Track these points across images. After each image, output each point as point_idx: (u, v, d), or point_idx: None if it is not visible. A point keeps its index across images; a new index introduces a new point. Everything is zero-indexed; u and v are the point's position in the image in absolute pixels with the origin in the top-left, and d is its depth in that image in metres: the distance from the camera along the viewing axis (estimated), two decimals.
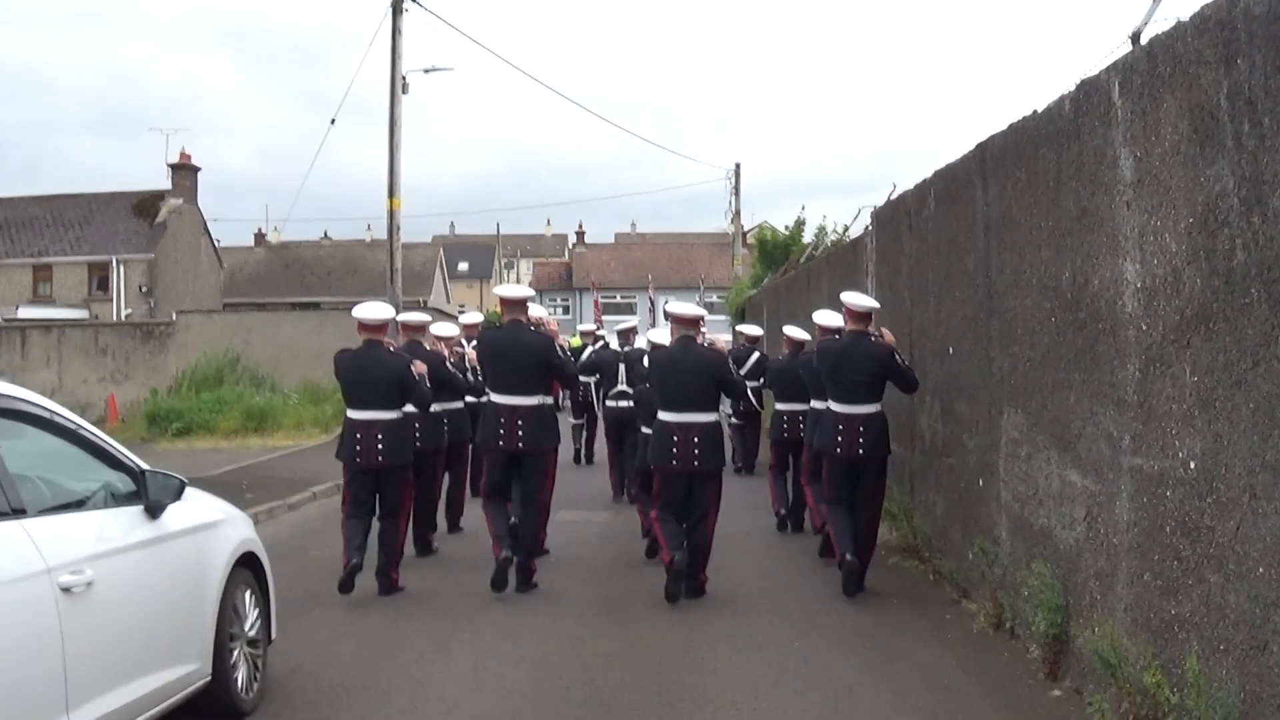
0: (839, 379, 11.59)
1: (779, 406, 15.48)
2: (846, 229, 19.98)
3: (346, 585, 11.24)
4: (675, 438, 11.26)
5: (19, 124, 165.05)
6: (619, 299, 76.82)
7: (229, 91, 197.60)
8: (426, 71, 33.10)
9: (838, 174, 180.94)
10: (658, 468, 11.57)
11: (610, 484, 18.67)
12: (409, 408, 11.98)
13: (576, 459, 23.14)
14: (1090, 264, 7.72)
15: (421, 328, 14.32)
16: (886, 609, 10.97)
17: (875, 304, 12.22)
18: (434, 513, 14.21)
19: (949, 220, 11.71)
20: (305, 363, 33.47)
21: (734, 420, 20.72)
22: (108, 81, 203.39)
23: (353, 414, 11.67)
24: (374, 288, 49.32)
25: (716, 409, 11.65)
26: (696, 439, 11.23)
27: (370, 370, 11.55)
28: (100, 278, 54.60)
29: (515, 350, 11.63)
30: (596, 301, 49.42)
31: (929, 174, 12.66)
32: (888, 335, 11.82)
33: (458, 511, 15.37)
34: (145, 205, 55.99)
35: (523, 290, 12.35)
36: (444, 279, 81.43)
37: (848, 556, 11.10)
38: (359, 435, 11.55)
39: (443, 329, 15.21)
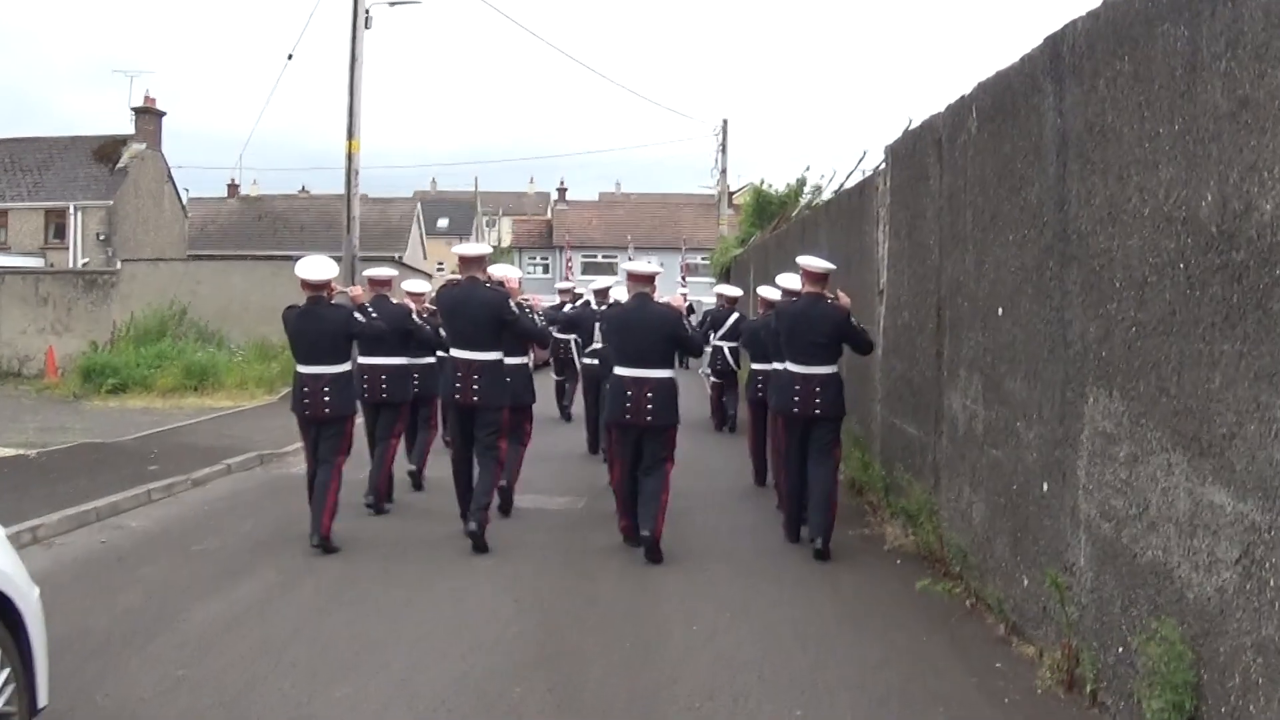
0: (796, 340, 11.80)
1: (755, 366, 15.61)
2: (855, 173, 17.46)
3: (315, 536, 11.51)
4: (629, 392, 11.42)
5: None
6: (600, 258, 75.20)
7: (209, 40, 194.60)
8: (391, 4, 30.45)
9: (831, 140, 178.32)
10: (611, 421, 11.79)
11: (586, 439, 18.99)
12: (376, 359, 13.58)
13: (564, 415, 23.29)
14: (1254, 181, 5.15)
15: (386, 282, 14.63)
16: (913, 646, 8.48)
17: (831, 266, 12.18)
18: (390, 464, 14.03)
19: (998, 143, 9.12)
20: (256, 316, 31.53)
21: (713, 379, 21.92)
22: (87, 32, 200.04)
23: (300, 368, 11.90)
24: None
25: (671, 365, 11.76)
26: (650, 394, 11.37)
27: (312, 327, 11.79)
28: (57, 225, 52.10)
29: (470, 306, 11.94)
30: (569, 259, 47.89)
31: (967, 89, 10.08)
32: (843, 298, 12.00)
33: (421, 466, 15.16)
34: (106, 150, 53.41)
35: (479, 248, 12.67)
36: (421, 235, 79.16)
37: (790, 539, 12.01)
38: (306, 389, 11.82)
39: (415, 285, 15.67)
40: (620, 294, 14.24)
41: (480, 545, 11.47)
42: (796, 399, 11.66)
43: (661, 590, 10.06)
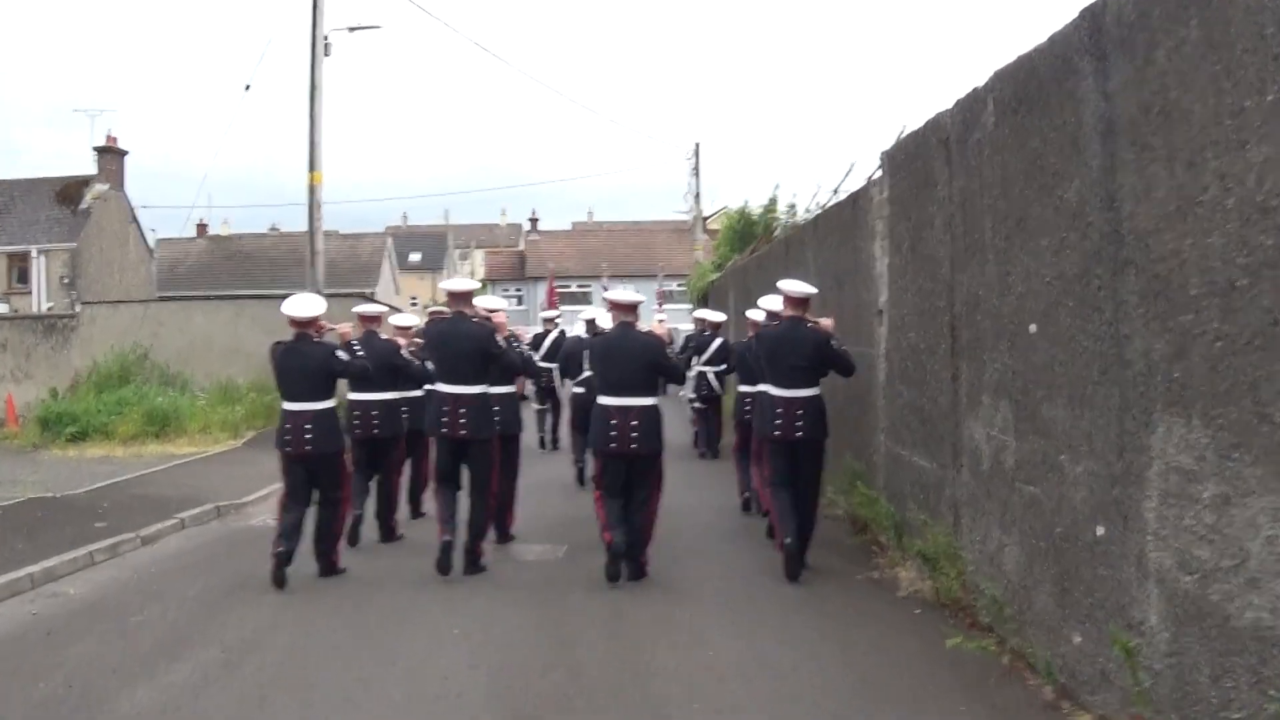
0: (777, 363, 11.85)
1: (741, 389, 15.58)
2: (842, 185, 16.48)
3: (277, 578, 11.39)
4: (614, 420, 11.54)
5: None
6: (574, 288, 74.28)
7: (170, 78, 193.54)
8: (351, 30, 29.55)
9: (803, 161, 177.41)
10: (597, 450, 11.87)
11: (574, 472, 18.56)
12: (366, 395, 13.63)
13: (541, 444, 22.99)
14: None
15: (377, 318, 14.85)
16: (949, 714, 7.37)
17: (812, 290, 12.24)
18: (396, 499, 14.25)
19: (1023, 138, 8.05)
20: (220, 358, 30.72)
21: (696, 405, 21.83)
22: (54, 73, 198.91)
23: (285, 405, 11.93)
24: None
25: (654, 393, 11.82)
26: (635, 422, 11.49)
27: (297, 362, 11.85)
28: (20, 269, 50.83)
29: (457, 340, 12.13)
30: (551, 288, 47.01)
31: (981, 80, 9.02)
32: (825, 322, 12.04)
33: (418, 498, 15.45)
34: (69, 192, 52.31)
35: (466, 283, 12.94)
36: (393, 269, 78.19)
37: (787, 541, 11.38)
38: (289, 425, 11.83)
39: (403, 319, 15.71)
40: (601, 321, 14.64)
41: (472, 565, 11.87)
42: (779, 422, 11.73)
43: (654, 660, 8.85)
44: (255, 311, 31.80)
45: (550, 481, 18.23)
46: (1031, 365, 7.91)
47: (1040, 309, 7.72)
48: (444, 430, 12.05)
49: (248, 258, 72.25)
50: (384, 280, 72.60)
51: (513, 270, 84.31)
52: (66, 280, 49.20)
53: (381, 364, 13.47)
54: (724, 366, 19.70)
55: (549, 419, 23.50)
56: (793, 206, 35.86)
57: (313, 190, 28.82)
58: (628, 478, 11.62)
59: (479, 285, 14.29)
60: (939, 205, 10.22)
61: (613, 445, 11.52)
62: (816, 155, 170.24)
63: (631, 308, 12.06)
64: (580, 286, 74.82)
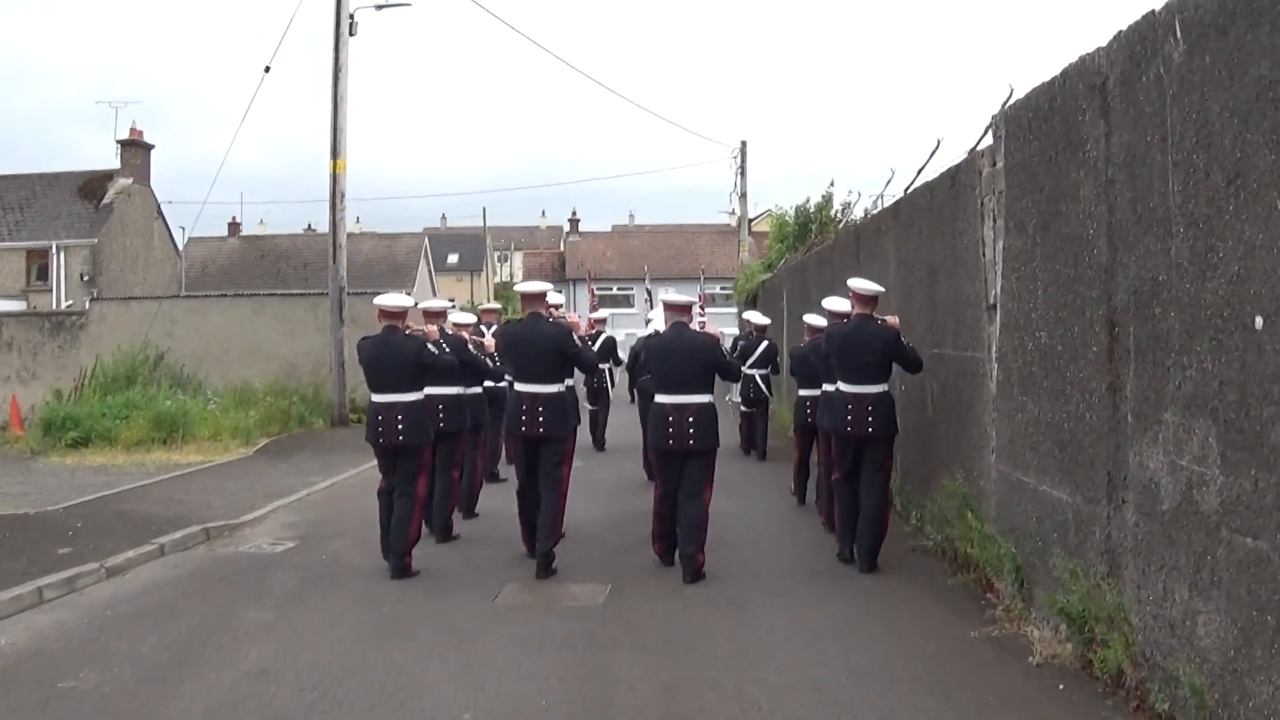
0: (847, 360, 11.93)
1: (801, 392, 15.85)
2: (925, 168, 14.35)
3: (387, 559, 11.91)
4: (670, 418, 11.73)
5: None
6: (615, 290, 72.63)
7: (218, 77, 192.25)
8: (379, 8, 27.63)
9: (847, 170, 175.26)
10: (654, 447, 12.26)
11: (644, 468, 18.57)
12: (431, 390, 12.75)
13: (595, 445, 23.16)
14: None
15: (441, 313, 14.94)
16: None
17: (880, 288, 12.26)
18: (456, 496, 14.21)
19: (1244, 62, 5.84)
20: (238, 359, 29.13)
21: (744, 408, 22.03)
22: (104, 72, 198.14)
23: (375, 397, 12.10)
24: (355, 279, 46.27)
25: (710, 391, 11.96)
26: (691, 419, 11.67)
27: (388, 355, 12.03)
28: (40, 265, 49.29)
29: (534, 340, 12.21)
30: (591, 290, 45.22)
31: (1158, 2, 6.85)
32: (892, 319, 12.17)
33: (474, 497, 15.53)
34: (91, 186, 50.83)
35: (540, 285, 12.75)
36: (430, 271, 77.12)
37: (842, 554, 12.11)
38: (380, 417, 11.99)
39: (460, 317, 15.87)
40: (657, 323, 14.30)
41: (545, 568, 11.73)
42: (849, 418, 11.85)
43: None
44: (276, 309, 30.09)
45: (600, 486, 17.84)
46: (1253, 374, 5.72)
47: (1273, 295, 5.55)
48: (523, 429, 12.11)
49: (281, 257, 70.97)
50: (420, 281, 71.63)
51: (552, 272, 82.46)
52: (87, 277, 47.51)
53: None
54: (770, 369, 21.08)
55: (600, 419, 23.74)
56: (849, 204, 34.09)
57: (335, 179, 26.95)
58: (680, 472, 11.83)
59: (550, 287, 13.29)
60: (1087, 170, 8.03)
61: (670, 442, 11.73)
62: (864, 156, 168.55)
63: (686, 308, 12.34)
64: (621, 289, 73.21)
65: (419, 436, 12.13)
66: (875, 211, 17.38)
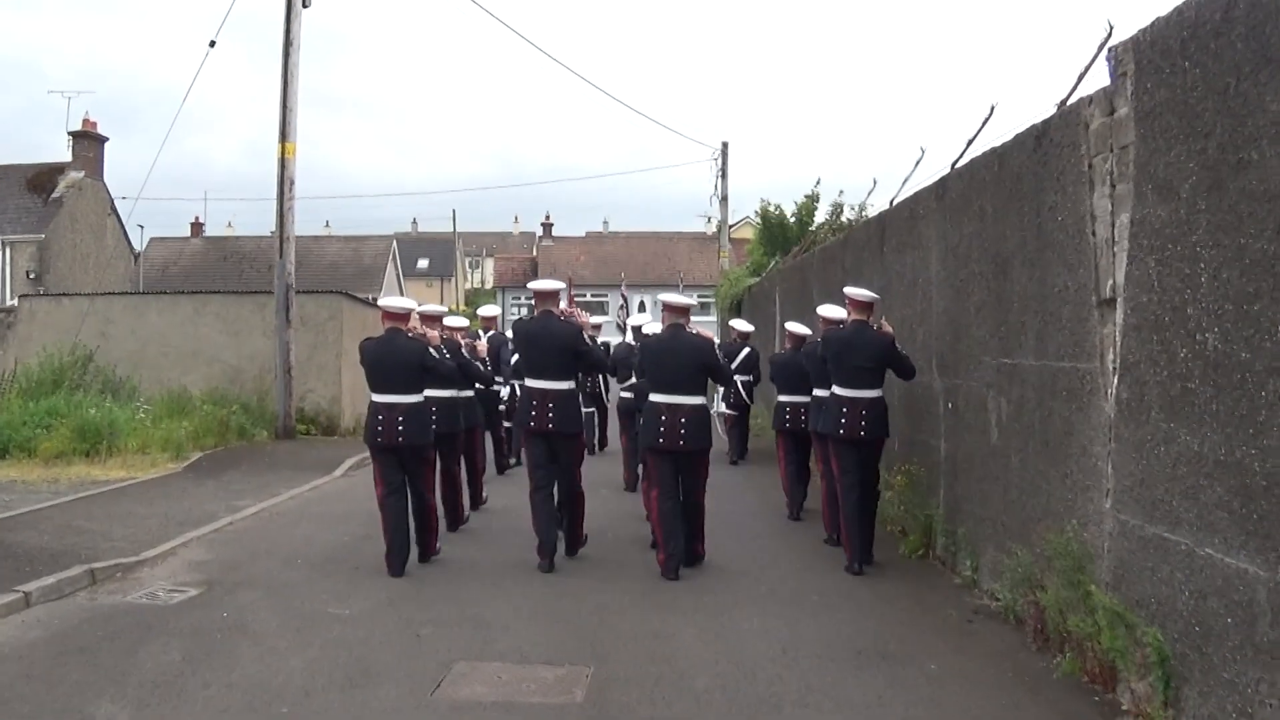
0: (843, 365, 12.15)
1: (781, 398, 16.10)
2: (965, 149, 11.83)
3: (393, 568, 11.78)
4: (664, 418, 11.91)
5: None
6: (589, 296, 69.69)
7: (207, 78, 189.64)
8: None
9: (829, 178, 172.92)
10: (647, 447, 12.32)
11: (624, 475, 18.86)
12: (432, 392, 12.99)
13: (589, 449, 20.92)
14: None
15: (438, 318, 15.19)
16: None
17: (875, 296, 12.64)
18: (460, 491, 14.76)
19: None
20: (175, 362, 26.46)
21: (725, 412, 22.63)
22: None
23: (375, 398, 12.22)
24: (321, 281, 44.57)
25: (704, 393, 12.22)
26: (684, 419, 11.86)
27: (391, 356, 12.17)
28: None
29: (546, 338, 12.43)
30: (571, 296, 43.24)
31: None
32: (886, 326, 12.47)
33: (475, 492, 16.12)
34: (41, 180, 47.65)
35: (554, 283, 13.23)
36: (398, 275, 75.00)
37: (854, 567, 11.92)
38: (380, 417, 12.09)
39: (454, 321, 16.27)
40: (650, 327, 15.13)
41: (547, 566, 12.00)
42: (844, 422, 12.10)
43: None
44: (219, 308, 27.40)
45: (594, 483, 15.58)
46: None
47: None
48: (533, 424, 12.30)
49: (245, 259, 68.43)
50: (388, 285, 69.54)
51: (524, 277, 79.87)
52: (33, 275, 44.61)
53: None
54: (751, 376, 21.41)
55: (594, 421, 23.01)
56: (837, 206, 33.75)
57: (284, 164, 24.28)
58: (676, 471, 12.01)
59: (563, 285, 14.00)
60: None
61: (661, 441, 11.91)
62: (847, 164, 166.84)
63: (684, 310, 12.47)
64: (595, 295, 70.67)
65: (420, 436, 12.30)
66: (900, 199, 14.76)
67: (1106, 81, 8.01)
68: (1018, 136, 9.87)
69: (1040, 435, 9.09)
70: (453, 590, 11.00)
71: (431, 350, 12.48)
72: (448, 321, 15.62)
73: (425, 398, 12.60)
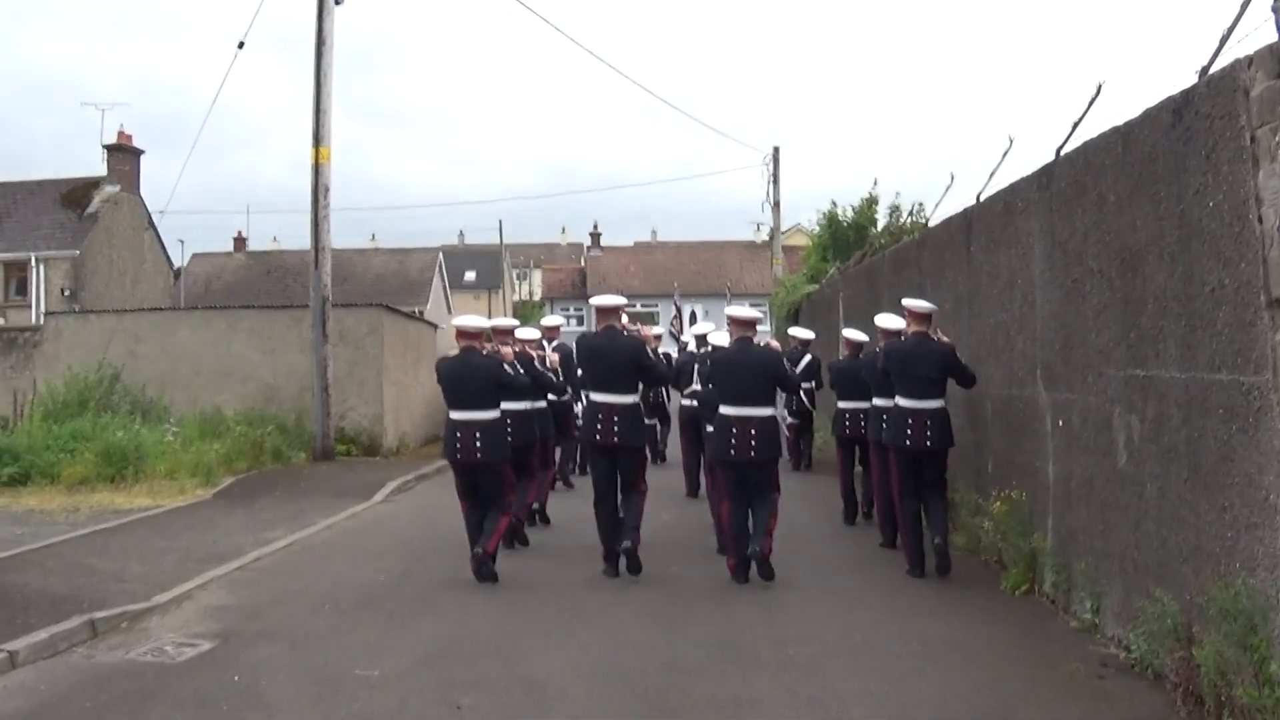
0: (907, 376, 12.38)
1: (841, 405, 16.41)
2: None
3: (484, 574, 12.08)
4: (734, 430, 12.01)
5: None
6: (639, 307, 68.54)
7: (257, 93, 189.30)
8: None
9: (881, 182, 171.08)
10: (717, 459, 12.56)
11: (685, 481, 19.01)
12: (507, 405, 13.11)
13: (651, 458, 19.58)
14: None
15: (509, 331, 15.45)
16: None
17: (933, 306, 12.76)
18: (529, 505, 15.04)
19: None
20: (208, 382, 25.33)
21: (789, 420, 21.81)
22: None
23: (454, 415, 12.50)
24: (366, 295, 44.07)
25: (772, 404, 12.35)
26: (753, 431, 11.97)
27: (467, 374, 12.47)
28: (19, 280, 45.33)
29: (611, 352, 12.62)
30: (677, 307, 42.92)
31: None
32: (944, 337, 12.73)
33: (543, 502, 16.12)
34: (76, 195, 46.87)
35: (616, 299, 13.24)
36: (444, 288, 73.55)
37: (937, 541, 12.07)
38: (459, 434, 12.37)
39: (525, 333, 16.33)
40: (716, 338, 14.67)
41: (635, 565, 12.37)
42: (910, 433, 12.26)
43: None
44: (253, 324, 26.23)
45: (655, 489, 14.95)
46: None
47: None
48: (599, 438, 12.47)
49: (289, 273, 67.27)
50: (434, 298, 68.35)
51: (573, 288, 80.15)
52: (68, 292, 43.68)
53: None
54: (813, 383, 21.33)
55: (657, 432, 22.91)
56: (895, 208, 35.32)
57: (318, 170, 23.19)
58: (745, 482, 12.14)
59: (625, 300, 13.53)
60: None
61: (733, 453, 12.02)
62: (903, 172, 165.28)
63: (751, 323, 12.64)
64: (645, 305, 69.60)
65: (498, 453, 12.50)
66: (986, 193, 13.38)
67: (1273, 37, 6.65)
68: (1147, 112, 8.47)
69: (1187, 460, 7.69)
70: (500, 639, 9.67)
71: (506, 367, 12.81)
72: (520, 334, 15.88)
73: (502, 413, 12.83)
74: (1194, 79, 7.74)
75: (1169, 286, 7.96)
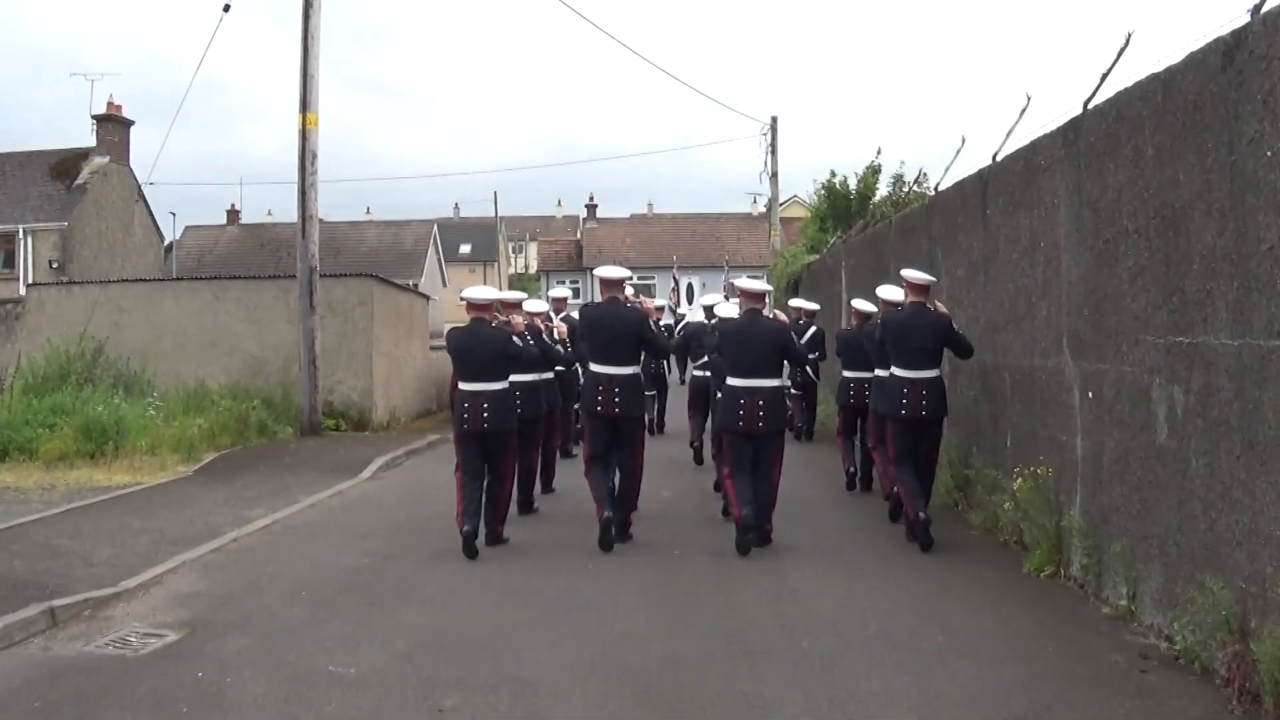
0: (903, 346, 12.49)
1: (846, 374, 16.44)
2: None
3: (469, 550, 11.97)
4: (742, 400, 12.20)
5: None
6: (635, 279, 67.82)
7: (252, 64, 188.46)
8: None
9: (889, 154, 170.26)
10: (725, 429, 12.62)
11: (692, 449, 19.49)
12: (515, 377, 13.32)
13: (649, 429, 20.32)
14: None
15: (517, 304, 15.59)
16: None
17: (932, 278, 12.96)
18: (535, 474, 15.11)
19: None
20: (193, 354, 24.83)
21: (792, 390, 20.98)
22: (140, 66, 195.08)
23: (463, 385, 12.66)
24: (360, 267, 42.78)
25: (780, 375, 12.65)
26: (761, 402, 12.18)
27: (476, 346, 12.64)
28: (7, 251, 44.62)
29: (613, 324, 12.83)
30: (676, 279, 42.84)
31: None
32: (941, 307, 12.81)
33: (550, 473, 16.46)
34: (65, 166, 46.20)
35: (620, 271, 13.36)
36: (439, 260, 72.84)
37: (921, 515, 11.99)
38: (467, 404, 12.52)
39: (533, 305, 16.43)
40: (725, 310, 15.33)
41: (620, 537, 12.51)
42: (905, 402, 12.39)
43: None
44: (240, 295, 25.58)
45: (655, 461, 15.75)
46: None
47: None
48: (599, 409, 12.67)
49: (282, 246, 66.51)
50: (429, 271, 67.89)
51: (569, 261, 79.39)
52: (56, 264, 43.02)
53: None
54: (817, 354, 20.89)
55: (656, 404, 23.27)
56: (899, 178, 35.17)
57: (305, 136, 22.50)
58: (754, 452, 12.23)
59: (629, 273, 13.48)
60: None
61: (740, 424, 12.18)
62: (897, 138, 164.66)
63: (760, 296, 12.88)
64: (642, 278, 69.01)
65: (505, 423, 12.64)
66: (1003, 153, 12.67)
67: None
68: (1192, 56, 7.76)
69: (1240, 434, 7.00)
70: (489, 630, 9.01)
71: (515, 339, 12.86)
72: (527, 306, 15.96)
73: (510, 384, 13.03)
74: (1245, 19, 7.05)
75: (1218, 245, 7.26)
